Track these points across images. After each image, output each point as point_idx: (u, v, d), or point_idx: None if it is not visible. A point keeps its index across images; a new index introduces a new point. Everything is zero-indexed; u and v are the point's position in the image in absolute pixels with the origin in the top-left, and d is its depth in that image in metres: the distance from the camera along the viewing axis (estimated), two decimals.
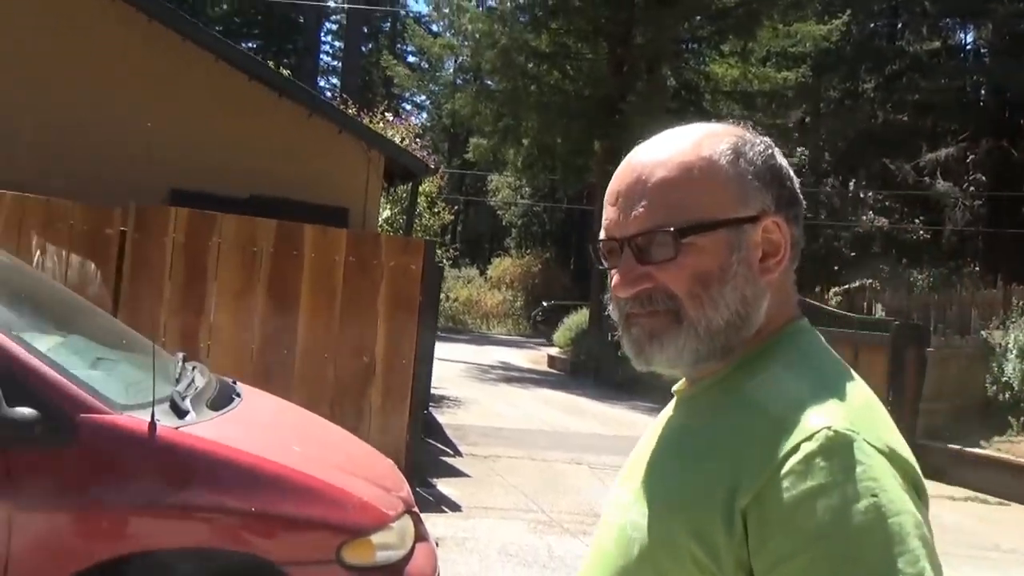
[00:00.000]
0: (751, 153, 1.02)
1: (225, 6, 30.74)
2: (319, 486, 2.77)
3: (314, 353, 6.49)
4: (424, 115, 37.62)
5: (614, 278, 1.01)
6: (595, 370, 18.01)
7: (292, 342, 6.46)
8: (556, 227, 35.40)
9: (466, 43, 19.01)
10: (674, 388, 1.10)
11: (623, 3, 17.97)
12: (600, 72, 18.64)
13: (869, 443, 0.88)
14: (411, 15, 34.22)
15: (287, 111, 8.03)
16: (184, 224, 6.22)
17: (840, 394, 0.94)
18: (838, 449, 0.87)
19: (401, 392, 6.72)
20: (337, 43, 34.67)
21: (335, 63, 34.34)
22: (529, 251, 37.43)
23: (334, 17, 34.22)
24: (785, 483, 0.86)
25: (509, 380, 16.94)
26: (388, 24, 35.33)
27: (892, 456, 0.89)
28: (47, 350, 2.71)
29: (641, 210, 0.99)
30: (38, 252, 5.75)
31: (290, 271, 6.43)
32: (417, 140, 14.89)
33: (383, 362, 6.68)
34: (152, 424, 2.63)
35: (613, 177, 1.04)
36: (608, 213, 1.03)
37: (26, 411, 2.46)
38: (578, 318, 22.60)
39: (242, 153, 7.91)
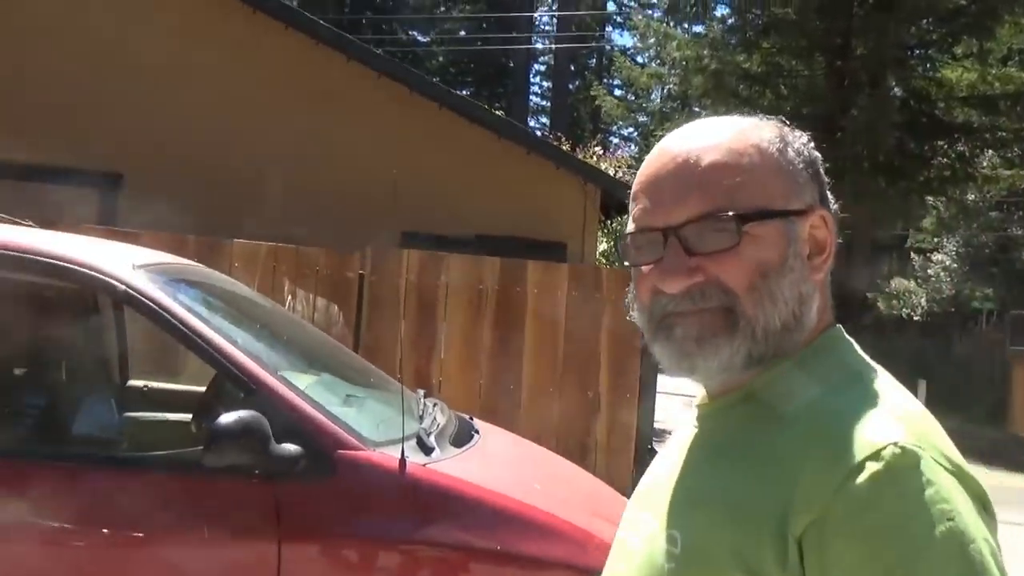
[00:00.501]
0: (798, 144, 0.95)
1: (441, 58, 32.51)
2: (563, 526, 2.73)
3: (539, 388, 6.56)
4: (632, 147, 37.70)
5: (651, 274, 0.92)
6: None
7: (518, 377, 6.56)
8: None
9: (674, 71, 18.82)
10: (695, 402, 1.00)
11: (841, 13, 17.07)
12: (817, 89, 17.77)
13: (936, 461, 0.80)
14: (616, 48, 34.53)
15: (507, 151, 8.27)
16: (415, 265, 6.53)
17: (895, 407, 0.84)
18: (907, 468, 0.78)
19: (626, 427, 6.63)
20: (545, 83, 35.62)
21: (544, 102, 35.29)
22: None
23: (542, 59, 35.25)
24: (850, 506, 0.77)
25: None
26: (594, 60, 35.86)
27: (960, 474, 0.81)
28: (305, 388, 2.87)
29: (694, 195, 0.90)
30: (289, 296, 6.25)
31: (514, 307, 6.56)
32: (629, 171, 14.89)
33: (607, 396, 6.64)
34: (403, 461, 2.71)
35: (644, 165, 0.96)
36: (643, 203, 0.93)
37: (291, 447, 2.60)
38: None
39: (468, 195, 8.23)
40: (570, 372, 6.60)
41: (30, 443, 3.13)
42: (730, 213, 0.88)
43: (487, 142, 8.17)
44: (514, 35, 31.12)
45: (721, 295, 0.89)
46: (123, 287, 2.72)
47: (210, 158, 7.86)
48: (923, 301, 23.69)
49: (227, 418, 2.46)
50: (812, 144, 0.97)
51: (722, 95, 16.96)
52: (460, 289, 6.55)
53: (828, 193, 0.98)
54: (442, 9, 33.76)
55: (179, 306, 2.76)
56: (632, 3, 34.19)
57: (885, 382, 0.89)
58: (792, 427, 0.85)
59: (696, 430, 0.98)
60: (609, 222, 11.59)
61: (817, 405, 0.86)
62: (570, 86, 32.75)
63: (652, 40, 20.50)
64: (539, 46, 34.70)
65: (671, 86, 19.20)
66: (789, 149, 0.94)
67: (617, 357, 6.61)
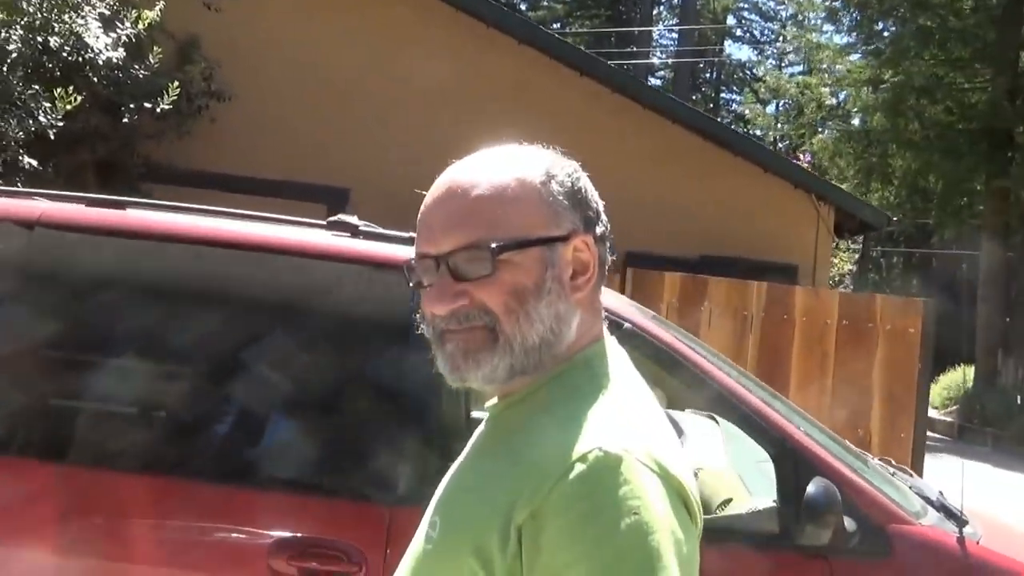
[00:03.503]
0: (561, 175, 1.03)
1: None
2: None
3: None
4: None
5: (428, 296, 1.02)
6: (994, 436, 15.98)
7: None
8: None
9: (828, 82, 18.06)
10: (486, 405, 1.09)
11: (1011, 21, 16.08)
12: (986, 103, 16.78)
13: (640, 461, 0.91)
14: (733, 62, 33.78)
15: (738, 167, 7.84)
16: (676, 288, 6.16)
17: (620, 414, 0.95)
18: (607, 469, 0.89)
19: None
20: None
21: None
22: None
23: (659, 73, 34.73)
24: (557, 502, 0.89)
25: None
26: (711, 75, 35.15)
27: (663, 475, 0.91)
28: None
29: (458, 227, 0.99)
30: None
31: (780, 336, 6.12)
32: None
33: (879, 435, 6.14)
34: (961, 538, 2.31)
35: (427, 196, 1.04)
36: (422, 231, 1.03)
37: (847, 521, 2.23)
38: (955, 376, 20.30)
39: (691, 213, 7.81)
40: (838, 407, 6.12)
41: None
42: (491, 244, 0.97)
43: (719, 157, 7.74)
44: (633, 49, 30.73)
45: (484, 316, 0.99)
46: (628, 324, 2.39)
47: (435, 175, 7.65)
48: None
49: (819, 493, 2.10)
50: (577, 175, 1.04)
51: (900, 107, 16.12)
52: (724, 315, 6.15)
53: (602, 216, 1.06)
54: (557, 25, 33.59)
55: (687, 348, 2.42)
56: (753, 16, 33.40)
57: (623, 392, 0.99)
58: (533, 432, 0.96)
59: (482, 430, 1.09)
60: (841, 243, 11.00)
61: (556, 413, 0.96)
62: (690, 100, 32.15)
63: (790, 48, 19.82)
64: (656, 60, 34.18)
65: (826, 98, 18.38)
66: (552, 182, 1.02)
67: (890, 393, 6.12)
